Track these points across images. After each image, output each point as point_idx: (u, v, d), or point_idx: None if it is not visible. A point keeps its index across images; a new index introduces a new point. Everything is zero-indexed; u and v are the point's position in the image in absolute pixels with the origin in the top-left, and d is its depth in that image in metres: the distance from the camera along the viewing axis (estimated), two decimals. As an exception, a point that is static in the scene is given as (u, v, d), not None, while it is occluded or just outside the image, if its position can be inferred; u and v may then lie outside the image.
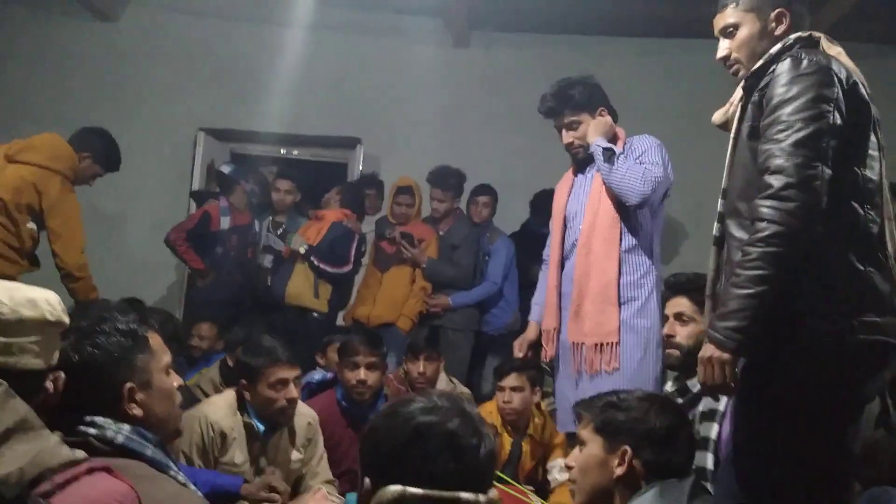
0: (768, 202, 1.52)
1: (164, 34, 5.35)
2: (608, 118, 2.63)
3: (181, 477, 1.30)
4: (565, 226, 2.66)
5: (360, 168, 5.19)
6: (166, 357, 1.43)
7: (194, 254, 4.33)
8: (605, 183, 2.53)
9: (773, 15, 1.74)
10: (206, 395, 3.04)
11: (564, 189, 2.73)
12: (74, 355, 1.29)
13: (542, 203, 4.37)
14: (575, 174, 2.73)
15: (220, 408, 2.35)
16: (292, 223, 4.40)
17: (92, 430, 1.25)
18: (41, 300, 1.20)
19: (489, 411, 3.11)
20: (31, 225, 3.30)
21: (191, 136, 5.26)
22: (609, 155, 2.51)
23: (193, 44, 5.33)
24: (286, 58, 4.99)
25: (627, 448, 1.50)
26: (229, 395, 2.43)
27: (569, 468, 1.67)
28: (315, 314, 4.03)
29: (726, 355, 1.55)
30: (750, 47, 1.75)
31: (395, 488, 1.05)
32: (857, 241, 1.57)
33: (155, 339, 1.42)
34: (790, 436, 1.56)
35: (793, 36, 1.69)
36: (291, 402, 2.34)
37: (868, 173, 1.60)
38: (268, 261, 4.37)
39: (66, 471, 1.06)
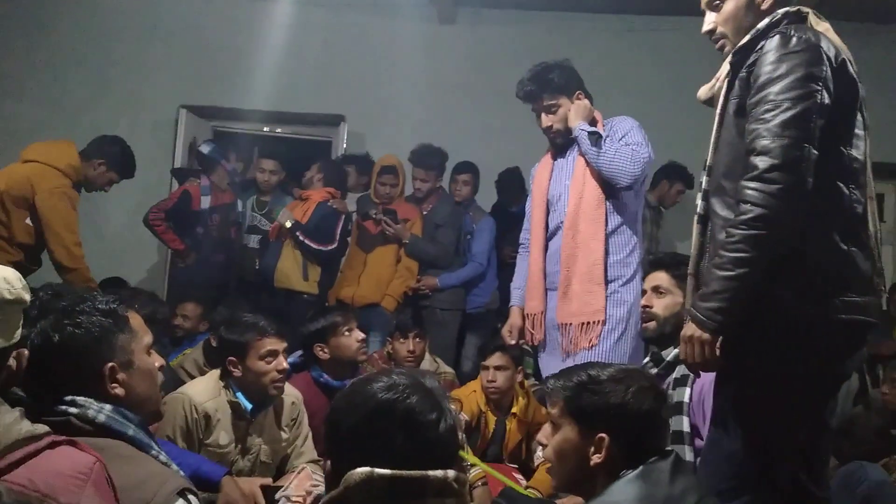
0: (753, 184, 1.51)
1: (145, 10, 5.25)
2: (587, 102, 2.65)
3: (163, 457, 1.30)
4: (548, 209, 2.67)
5: (345, 145, 5.15)
6: (147, 337, 1.42)
7: (173, 234, 4.29)
8: (592, 166, 2.54)
9: None
10: (191, 376, 3.02)
11: (545, 172, 2.73)
12: (55, 335, 1.28)
13: (507, 182, 4.40)
14: (554, 158, 2.73)
15: (204, 389, 2.34)
16: (277, 202, 4.35)
17: (73, 410, 1.24)
18: None
19: (473, 390, 3.12)
20: (29, 221, 3.41)
21: (172, 114, 5.19)
22: (595, 139, 2.53)
23: (175, 20, 5.24)
24: (269, 34, 4.92)
25: (605, 436, 1.42)
26: (213, 375, 2.42)
27: (542, 445, 1.63)
28: (305, 296, 3.99)
29: (706, 335, 1.56)
30: (736, 21, 1.72)
31: (362, 470, 1.04)
32: (841, 220, 1.57)
33: (135, 319, 1.41)
34: (770, 413, 1.58)
35: (780, 10, 1.66)
36: (282, 373, 2.34)
37: (854, 153, 1.59)
38: (254, 241, 4.33)
39: (25, 447, 1.05)
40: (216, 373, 2.41)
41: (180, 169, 4.89)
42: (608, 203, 2.55)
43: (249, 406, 2.34)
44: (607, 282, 2.53)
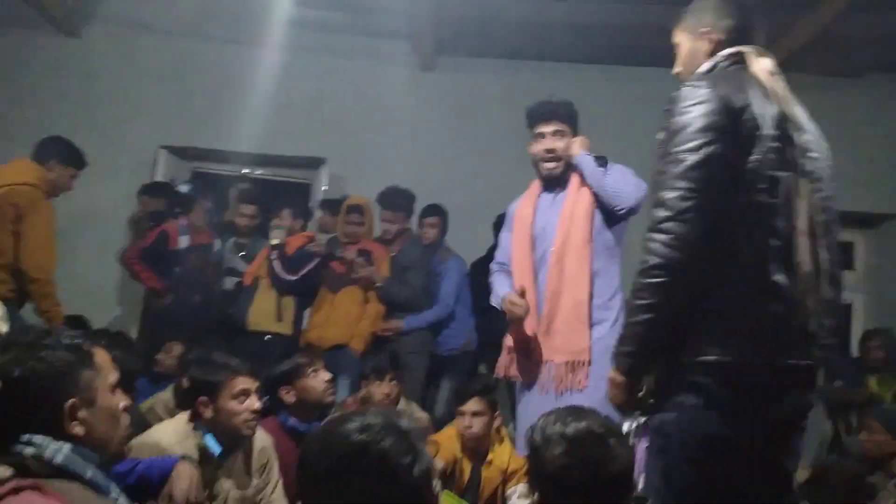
0: (651, 234, 1.57)
1: (127, 51, 5.29)
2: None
3: (122, 500, 1.25)
4: (533, 244, 2.67)
5: (324, 188, 5.16)
6: (113, 375, 1.38)
7: (150, 273, 4.26)
8: (595, 189, 2.57)
9: (700, 33, 1.80)
10: (161, 419, 2.95)
11: (529, 207, 2.74)
12: (15, 369, 1.24)
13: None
14: (539, 192, 2.75)
15: (172, 433, 2.27)
16: (255, 245, 4.35)
17: (29, 450, 1.20)
18: None
19: (448, 436, 3.07)
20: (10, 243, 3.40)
21: (152, 154, 5.18)
22: (601, 163, 2.60)
23: (157, 61, 5.28)
24: (251, 77, 4.96)
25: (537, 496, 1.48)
26: (181, 418, 2.36)
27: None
28: (279, 338, 3.95)
29: (620, 377, 1.64)
30: (689, 65, 1.82)
31: None
32: (749, 266, 1.57)
33: (101, 356, 1.37)
34: (700, 464, 1.56)
35: (721, 53, 1.73)
36: (255, 413, 2.30)
37: (762, 198, 1.59)
38: (229, 283, 4.30)
39: None
40: (184, 415, 2.35)
41: (157, 211, 4.86)
42: (594, 243, 2.56)
43: (218, 449, 2.28)
44: (592, 324, 2.52)
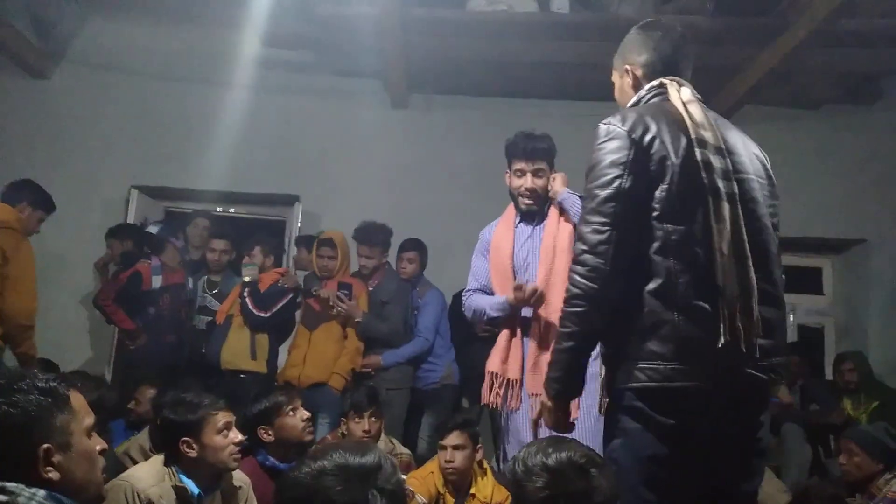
0: (573, 266, 1.67)
1: (97, 92, 5.29)
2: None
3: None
4: (514, 274, 2.65)
5: (299, 225, 5.16)
6: (89, 418, 1.36)
7: (123, 314, 4.22)
8: (573, 229, 2.54)
9: (624, 70, 1.89)
10: (136, 462, 2.89)
11: (507, 237, 2.72)
12: (-13, 414, 1.22)
13: None
14: (516, 223, 2.74)
15: (147, 475, 2.22)
16: (227, 283, 4.31)
17: (2, 497, 1.17)
18: None
19: (430, 471, 3.04)
20: None
21: (123, 194, 5.15)
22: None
23: (127, 102, 5.29)
24: (224, 117, 4.98)
25: None
26: (156, 460, 2.31)
27: None
28: (253, 376, 3.87)
29: (549, 402, 1.74)
30: (621, 101, 1.93)
31: None
32: (662, 291, 1.61)
33: (77, 399, 1.34)
34: (651, 485, 1.60)
35: (646, 86, 1.82)
36: (238, 445, 2.28)
37: (672, 225, 1.63)
38: (202, 322, 4.25)
39: None
40: (160, 458, 2.31)
41: (128, 252, 4.81)
42: None
43: (196, 490, 2.24)
44: None
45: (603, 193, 1.63)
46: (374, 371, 3.97)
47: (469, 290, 2.81)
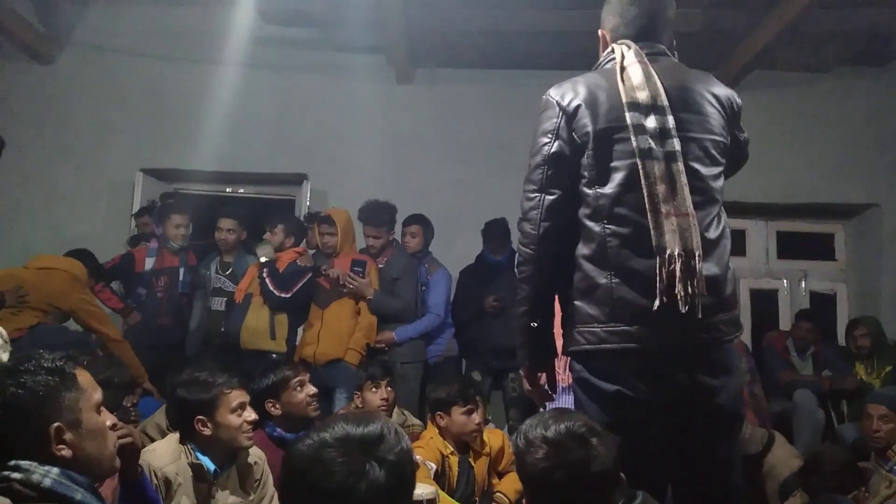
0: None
1: (101, 76, 5.29)
2: None
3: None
4: None
5: (308, 203, 5.16)
6: (97, 394, 1.37)
7: (110, 293, 4.30)
8: None
9: (600, 34, 1.89)
10: (153, 440, 2.93)
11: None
12: (-4, 397, 1.23)
13: (493, 232, 4.41)
14: None
15: (164, 453, 2.26)
16: (240, 263, 4.32)
17: (16, 475, 1.19)
18: None
19: (430, 437, 3.07)
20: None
21: (130, 177, 5.16)
22: None
23: (132, 85, 5.28)
24: (229, 96, 4.96)
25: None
26: (172, 438, 2.35)
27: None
28: (273, 355, 3.89)
29: (523, 370, 1.80)
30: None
31: None
32: (595, 255, 1.63)
33: (84, 376, 1.36)
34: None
35: (603, 53, 1.84)
36: (251, 424, 2.31)
37: (602, 189, 1.63)
38: (218, 304, 4.27)
39: None
40: (175, 436, 2.34)
41: (135, 235, 4.85)
42: None
43: (212, 467, 2.27)
44: None
45: (534, 161, 1.69)
46: (388, 346, 4.01)
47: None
